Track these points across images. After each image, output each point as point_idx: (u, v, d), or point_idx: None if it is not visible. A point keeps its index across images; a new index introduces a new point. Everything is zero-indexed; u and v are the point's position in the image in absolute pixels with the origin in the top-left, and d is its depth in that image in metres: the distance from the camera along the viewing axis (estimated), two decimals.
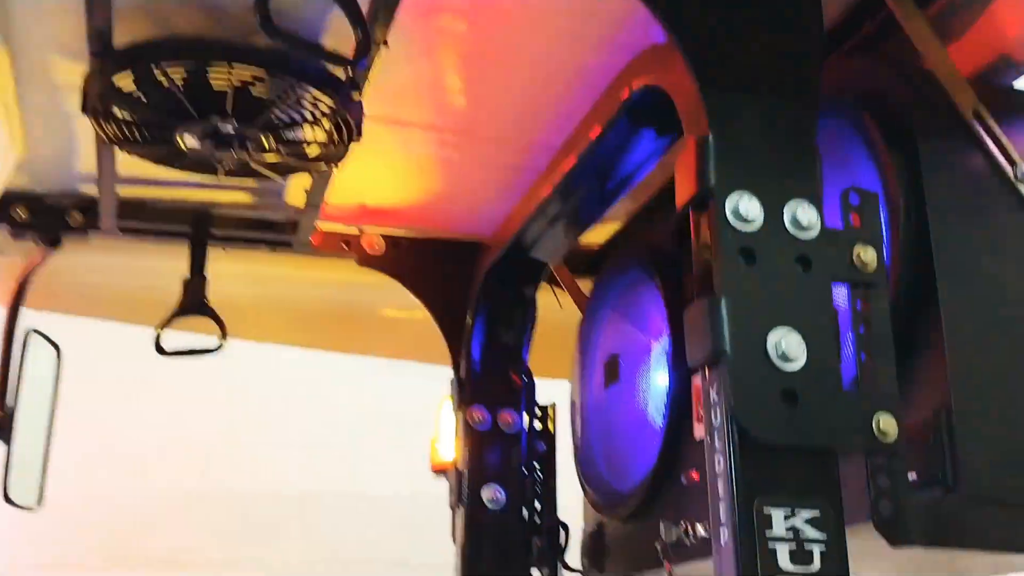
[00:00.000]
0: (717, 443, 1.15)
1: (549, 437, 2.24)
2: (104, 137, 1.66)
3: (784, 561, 1.10)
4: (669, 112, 1.35)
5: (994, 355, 1.33)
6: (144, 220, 2.13)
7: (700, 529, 1.74)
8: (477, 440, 2.17)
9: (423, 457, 4.03)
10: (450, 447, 2.31)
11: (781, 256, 1.19)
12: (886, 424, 1.16)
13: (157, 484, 4.33)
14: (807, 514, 1.12)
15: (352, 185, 2.08)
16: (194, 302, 2.10)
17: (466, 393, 2.19)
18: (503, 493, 2.15)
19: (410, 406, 4.56)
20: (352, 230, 2.28)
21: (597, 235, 2.35)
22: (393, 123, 1.86)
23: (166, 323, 2.10)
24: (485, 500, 2.14)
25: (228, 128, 1.61)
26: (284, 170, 1.76)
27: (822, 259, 1.20)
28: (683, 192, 1.24)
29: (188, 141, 1.65)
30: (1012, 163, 1.38)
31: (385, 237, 2.28)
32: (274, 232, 2.20)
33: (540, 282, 2.22)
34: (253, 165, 1.69)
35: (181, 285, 2.11)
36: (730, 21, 1.27)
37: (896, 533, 1.17)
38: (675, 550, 1.78)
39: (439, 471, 2.42)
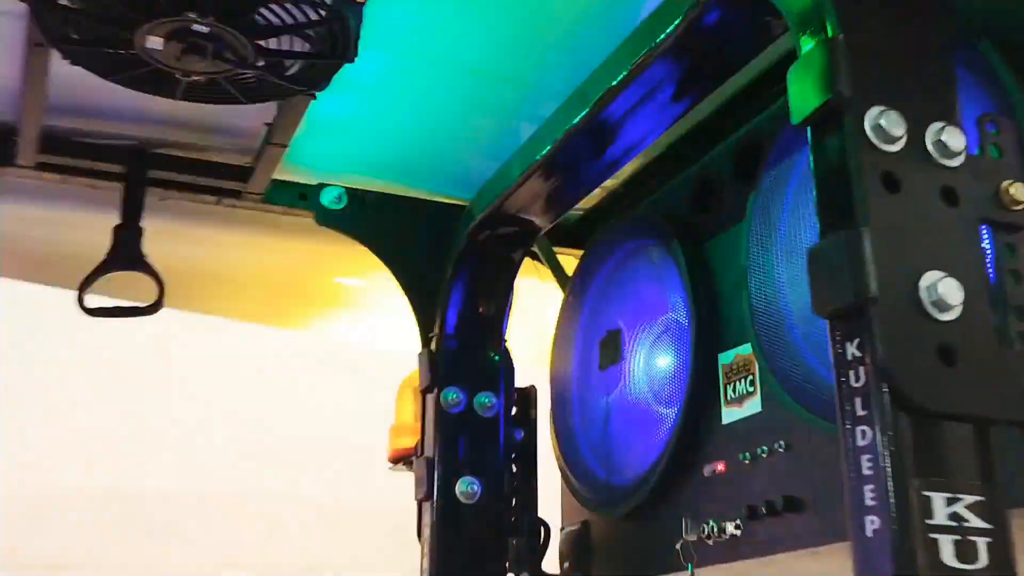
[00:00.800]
0: (860, 410, 0.92)
1: (529, 424, 1.99)
2: (44, 35, 1.35)
3: (948, 556, 0.88)
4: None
5: None
6: (71, 156, 1.80)
7: (730, 528, 1.52)
8: (451, 425, 1.90)
9: (339, 458, 3.73)
10: (412, 434, 2.05)
11: (926, 186, 0.98)
12: None
13: (40, 482, 3.91)
14: (970, 500, 0.90)
15: (316, 127, 1.79)
16: (127, 254, 1.78)
17: (439, 372, 1.92)
18: (479, 486, 1.88)
19: (330, 401, 4.28)
20: (311, 181, 1.99)
21: (583, 202, 2.11)
22: (368, 49, 1.58)
23: (92, 277, 1.78)
24: (458, 494, 1.87)
25: (204, 28, 1.31)
26: (259, 92, 1.47)
27: (970, 194, 0.99)
28: (802, 104, 1.02)
29: (150, 44, 1.35)
30: None
31: (349, 192, 2.00)
32: (223, 178, 1.89)
33: (530, 248, 1.96)
34: (223, 83, 1.39)
35: (112, 234, 1.80)
36: None
37: None
38: (699, 550, 1.55)
39: (398, 460, 2.15)
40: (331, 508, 4.24)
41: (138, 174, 1.82)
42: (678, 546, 1.58)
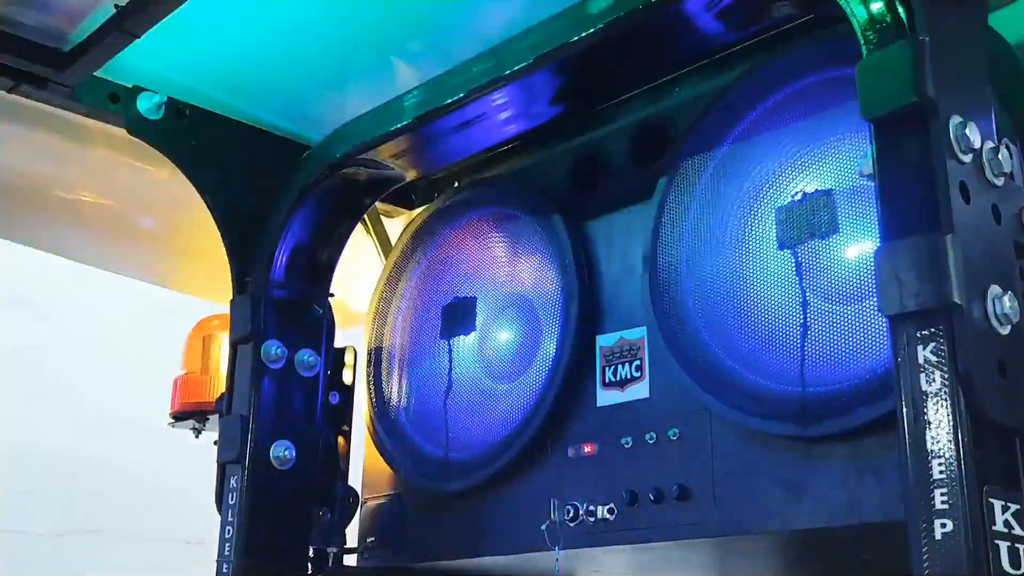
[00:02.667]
0: (930, 415, 0.93)
1: (346, 388, 1.84)
2: None
3: (1005, 561, 0.91)
4: None
5: None
6: None
7: (601, 511, 1.49)
8: (270, 383, 1.70)
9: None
10: (202, 387, 1.81)
11: (985, 201, 1.00)
12: None
13: None
14: (1015, 508, 0.94)
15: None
16: None
17: (259, 323, 1.71)
18: (294, 451, 1.70)
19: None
20: (127, 83, 1.69)
21: None
22: None
23: None
24: (272, 458, 1.68)
25: None
26: None
27: (1008, 213, 1.03)
28: (878, 101, 1.00)
29: None
30: None
31: (171, 102, 1.72)
32: (33, 60, 1.55)
33: (379, 198, 1.80)
34: None
35: None
36: None
37: None
38: (571, 533, 1.50)
39: (184, 416, 1.89)
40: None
41: None
42: (544, 527, 1.52)
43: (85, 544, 3.69)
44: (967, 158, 0.98)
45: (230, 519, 1.66)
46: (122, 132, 1.71)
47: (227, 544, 1.65)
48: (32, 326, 3.62)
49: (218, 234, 1.75)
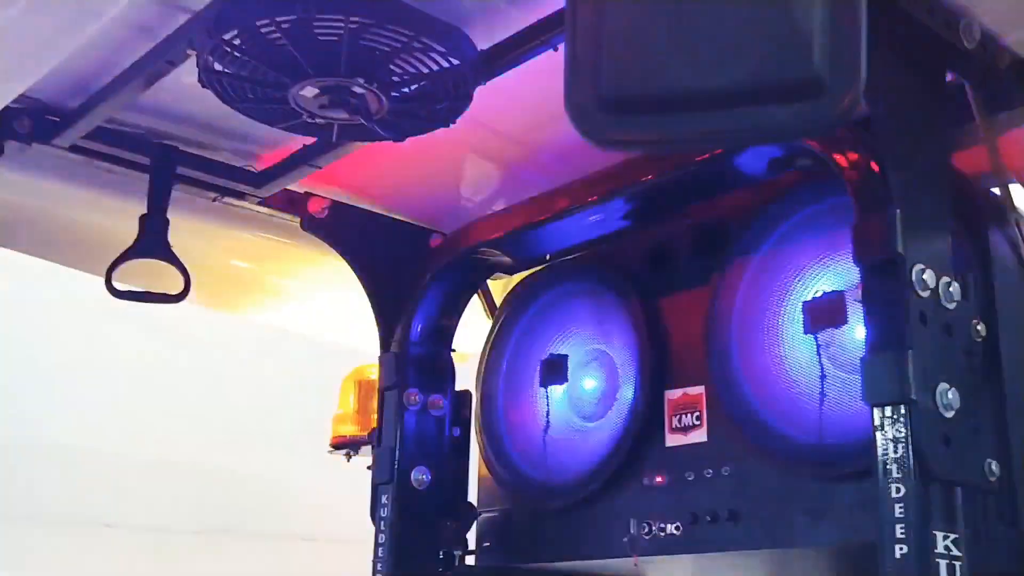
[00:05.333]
0: (896, 472, 1.37)
1: (464, 423, 2.32)
2: (223, 98, 1.52)
3: (944, 572, 1.35)
4: None
5: None
6: (104, 143, 1.90)
7: (669, 528, 1.95)
8: (411, 421, 2.20)
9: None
10: (353, 423, 2.31)
11: (939, 321, 1.44)
12: (995, 467, 1.47)
13: None
14: (952, 536, 1.38)
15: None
16: (154, 243, 1.92)
17: (403, 374, 2.20)
18: (428, 474, 2.20)
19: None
20: (298, 189, 2.19)
21: None
22: None
23: (119, 261, 1.90)
24: (412, 480, 2.18)
25: (355, 87, 1.54)
26: (394, 130, 1.67)
27: (960, 328, 1.47)
28: (867, 253, 1.45)
29: (302, 100, 1.55)
30: None
31: (334, 203, 2.22)
32: (234, 180, 2.06)
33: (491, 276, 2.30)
34: (367, 124, 1.60)
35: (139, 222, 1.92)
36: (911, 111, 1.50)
37: None
38: (642, 544, 1.97)
39: (339, 446, 2.40)
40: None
41: (165, 167, 1.95)
42: (625, 539, 1.98)
43: (217, 541, 4.25)
44: (925, 294, 1.43)
45: (383, 529, 2.15)
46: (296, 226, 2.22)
47: (380, 547, 2.14)
48: (174, 351, 4.19)
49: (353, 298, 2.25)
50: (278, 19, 1.39)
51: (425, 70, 1.57)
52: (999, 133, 1.67)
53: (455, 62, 1.56)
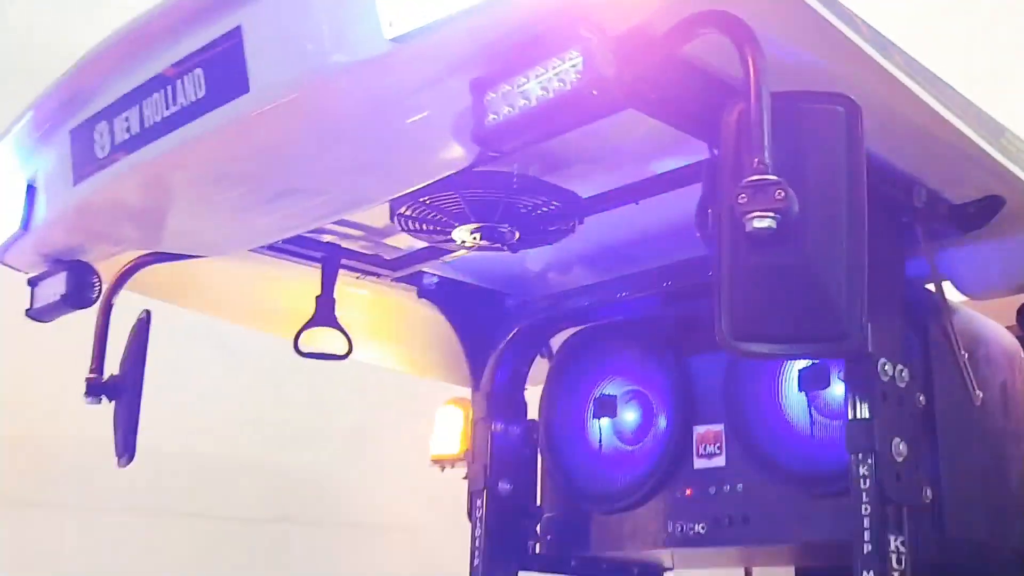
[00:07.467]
0: (864, 496, 2.10)
1: (533, 446, 3.03)
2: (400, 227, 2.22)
3: (894, 563, 2.08)
4: None
5: None
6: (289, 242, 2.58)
7: (698, 528, 2.68)
8: (498, 445, 2.90)
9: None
10: (452, 443, 3.03)
11: (893, 396, 2.17)
12: (929, 492, 2.20)
13: None
14: (901, 539, 2.11)
15: None
16: (326, 316, 2.60)
17: (492, 408, 2.91)
18: (510, 485, 2.91)
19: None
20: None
21: None
22: None
23: (303, 329, 2.58)
24: (500, 490, 2.88)
25: (503, 229, 2.24)
26: (517, 248, 2.37)
27: (908, 399, 2.20)
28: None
29: (461, 235, 2.25)
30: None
31: (440, 278, 2.92)
32: (379, 266, 2.74)
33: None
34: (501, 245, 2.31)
35: (314, 301, 2.61)
36: None
37: None
38: (680, 539, 2.69)
39: (439, 463, 3.11)
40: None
41: (334, 260, 2.63)
42: (663, 536, 2.70)
43: (273, 528, 4.94)
44: (886, 379, 2.15)
45: (478, 531, 2.86)
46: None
47: (476, 539, 2.85)
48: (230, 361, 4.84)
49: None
50: (464, 192, 2.09)
51: (545, 210, 2.29)
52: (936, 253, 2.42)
53: (566, 207, 2.28)
